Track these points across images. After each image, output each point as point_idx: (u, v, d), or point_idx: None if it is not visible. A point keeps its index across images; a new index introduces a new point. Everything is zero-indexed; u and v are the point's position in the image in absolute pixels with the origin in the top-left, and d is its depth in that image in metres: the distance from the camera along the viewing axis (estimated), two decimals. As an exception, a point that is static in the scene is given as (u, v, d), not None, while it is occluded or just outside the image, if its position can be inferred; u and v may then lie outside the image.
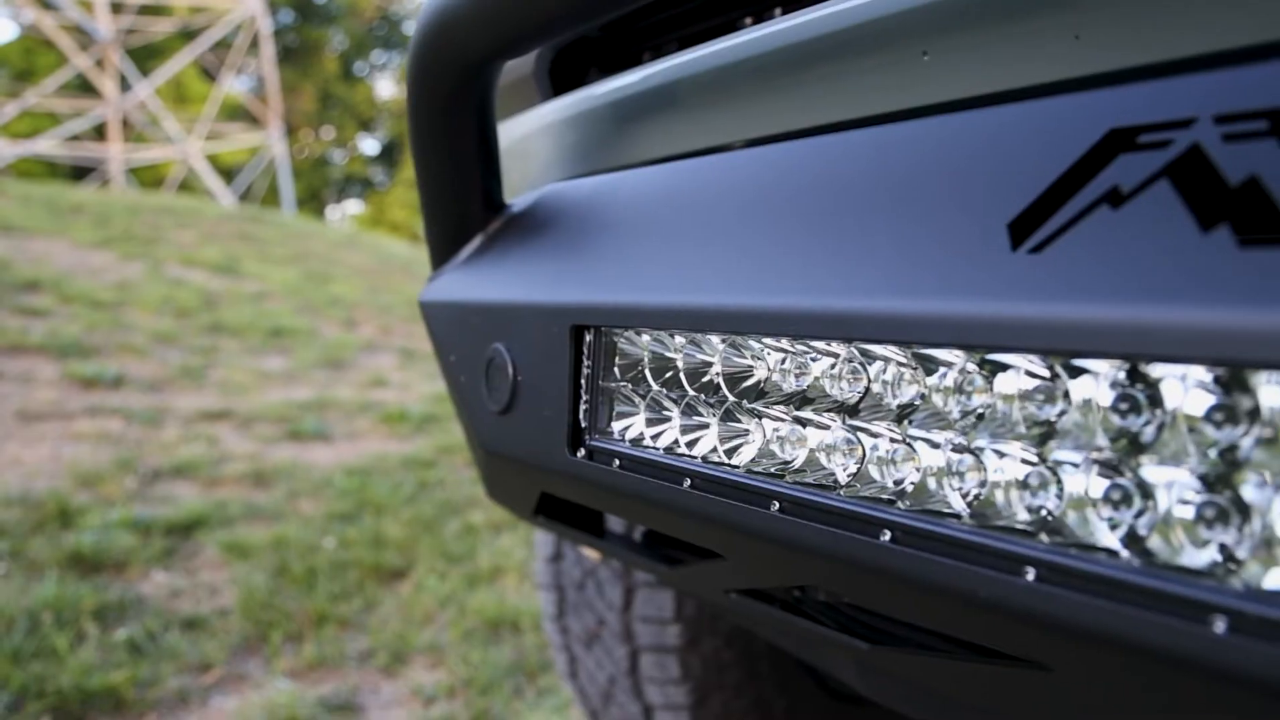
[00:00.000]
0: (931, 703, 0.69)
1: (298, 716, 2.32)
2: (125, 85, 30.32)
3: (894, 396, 0.54)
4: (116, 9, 29.84)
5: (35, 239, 8.85)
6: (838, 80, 0.62)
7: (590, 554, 1.46)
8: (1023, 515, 0.47)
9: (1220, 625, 0.38)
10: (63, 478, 3.75)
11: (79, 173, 30.81)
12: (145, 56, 33.75)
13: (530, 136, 1.02)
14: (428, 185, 0.88)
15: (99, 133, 30.71)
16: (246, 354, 6.74)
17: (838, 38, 0.60)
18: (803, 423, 0.59)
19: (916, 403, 0.53)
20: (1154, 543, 0.42)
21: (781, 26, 0.64)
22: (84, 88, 30.82)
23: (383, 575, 3.26)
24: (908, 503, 0.53)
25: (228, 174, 34.98)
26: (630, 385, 0.71)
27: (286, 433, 4.98)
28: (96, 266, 8.29)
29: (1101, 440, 0.44)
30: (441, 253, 0.92)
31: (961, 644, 0.53)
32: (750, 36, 0.67)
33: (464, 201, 0.87)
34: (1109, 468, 0.44)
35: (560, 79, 0.96)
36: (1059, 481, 0.46)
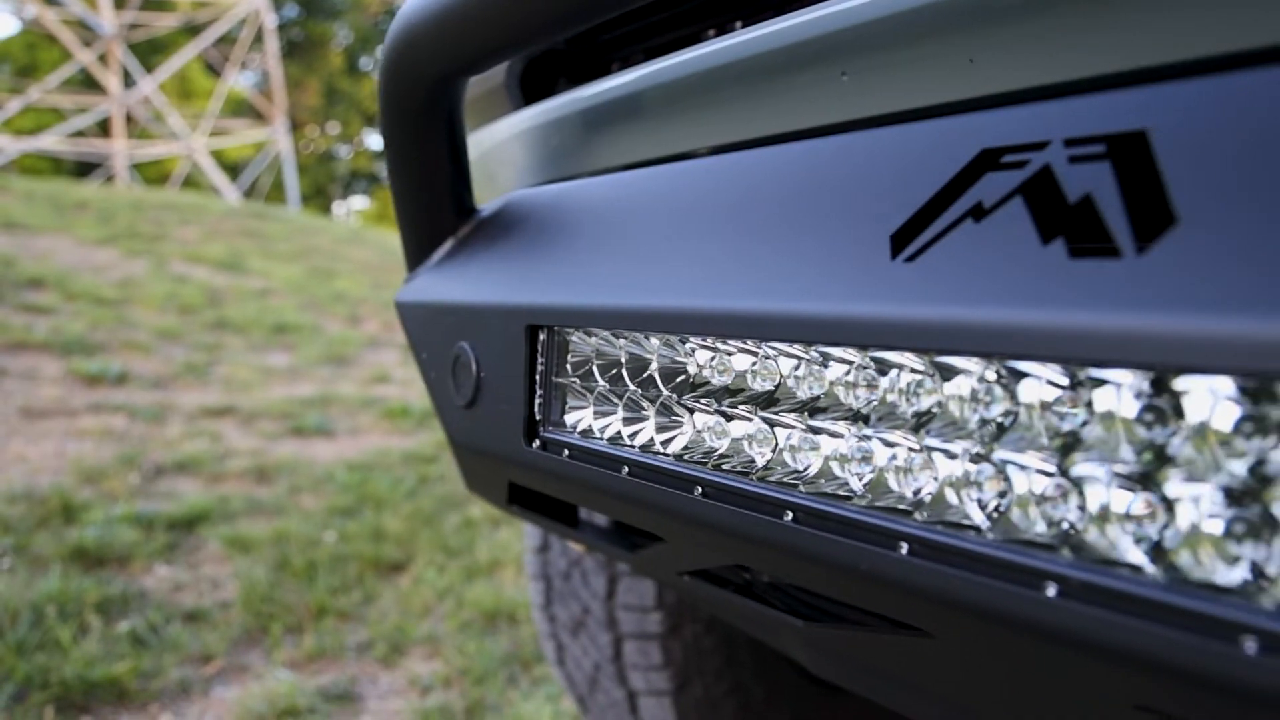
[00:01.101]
0: (871, 680, 0.73)
1: (297, 706, 2.36)
2: (129, 81, 30.38)
3: (804, 391, 0.58)
4: (119, 4, 29.89)
5: (39, 236, 8.91)
6: (772, 96, 0.66)
7: (575, 545, 1.50)
8: (908, 494, 0.51)
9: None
10: (66, 474, 3.81)
11: (83, 169, 30.91)
12: (149, 52, 33.80)
13: (504, 144, 1.06)
14: (401, 192, 0.92)
15: (103, 128, 30.80)
16: (250, 350, 6.80)
17: (771, 57, 0.64)
18: (727, 415, 0.64)
19: (820, 396, 0.57)
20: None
21: (723, 45, 0.68)
22: (87, 83, 30.88)
23: (382, 568, 3.30)
24: (807, 487, 0.57)
25: (233, 170, 35.06)
26: (580, 381, 0.75)
27: (289, 429, 5.03)
28: (100, 263, 8.35)
29: (972, 429, 0.48)
30: (415, 256, 0.97)
31: (879, 617, 0.58)
32: (693, 54, 0.71)
33: (435, 207, 0.91)
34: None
35: (530, 89, 1.00)
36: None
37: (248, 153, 35.78)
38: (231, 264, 9.56)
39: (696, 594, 0.79)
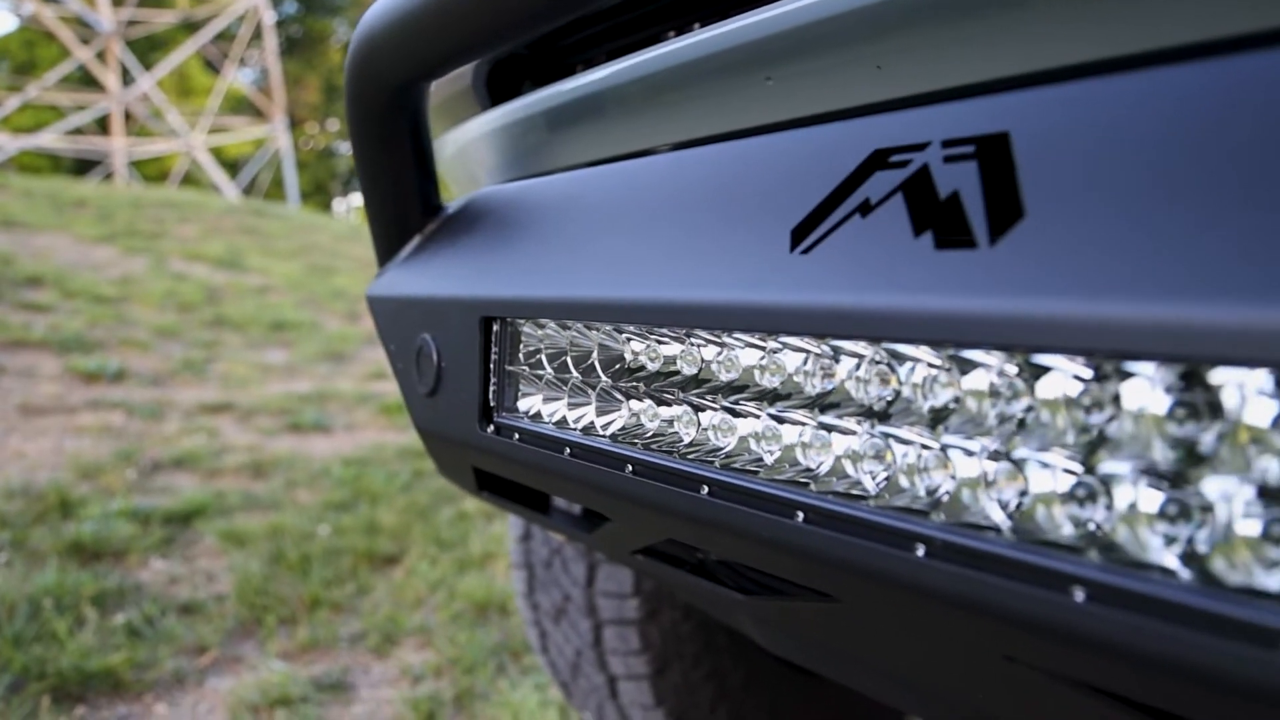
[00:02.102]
0: (811, 651, 0.77)
1: (290, 695, 2.40)
2: (128, 78, 30.39)
3: (726, 373, 0.62)
4: (118, 0, 29.88)
5: (38, 234, 8.95)
6: (705, 100, 0.69)
7: (552, 534, 1.54)
8: (810, 467, 0.55)
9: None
10: (64, 470, 3.85)
11: (82, 166, 30.94)
12: (147, 49, 33.81)
13: (473, 143, 1.10)
14: (370, 191, 0.95)
15: (102, 126, 30.82)
16: (248, 347, 6.84)
17: (703, 63, 0.67)
18: (659, 400, 0.68)
19: (737, 380, 0.62)
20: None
21: (661, 52, 0.72)
22: (86, 81, 30.90)
23: (376, 561, 3.34)
24: (723, 463, 0.62)
25: (232, 167, 35.08)
26: (530, 369, 0.79)
27: (286, 425, 5.07)
28: (99, 261, 8.39)
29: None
30: (384, 252, 1.00)
31: (792, 584, 0.61)
32: (634, 61, 0.75)
33: (403, 206, 0.95)
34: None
35: (496, 91, 1.03)
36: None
37: (247, 150, 35.79)
38: (230, 261, 9.59)
39: (650, 572, 0.83)
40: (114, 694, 2.36)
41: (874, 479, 0.51)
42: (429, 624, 2.87)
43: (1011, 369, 0.44)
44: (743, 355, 0.60)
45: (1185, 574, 0.38)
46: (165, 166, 33.24)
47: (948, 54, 0.51)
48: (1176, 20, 0.41)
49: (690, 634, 1.64)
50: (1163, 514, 0.40)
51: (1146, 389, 0.40)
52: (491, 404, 0.81)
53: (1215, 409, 0.36)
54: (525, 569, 1.78)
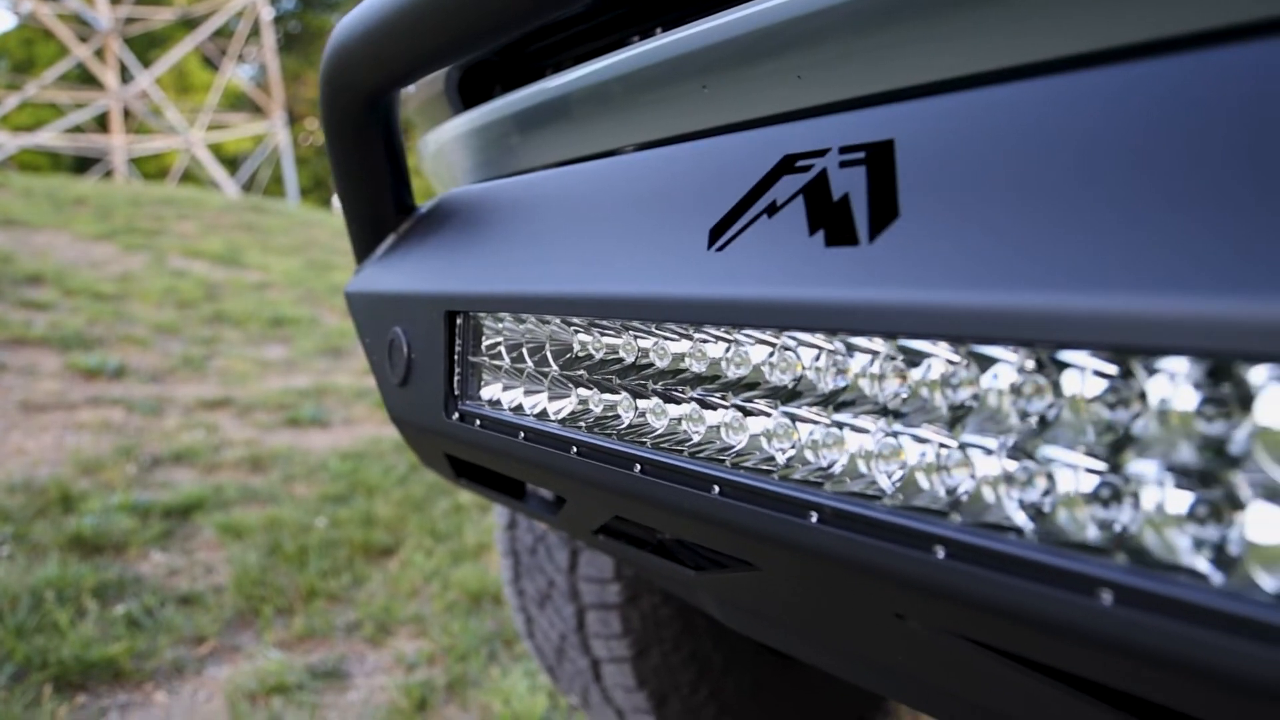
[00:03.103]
0: (755, 623, 0.82)
1: (286, 683, 2.46)
2: (126, 75, 30.39)
3: (662, 363, 0.67)
4: (115, -1, 29.87)
5: (37, 232, 9.00)
6: (649, 106, 0.74)
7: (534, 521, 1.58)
8: (730, 445, 0.60)
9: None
10: (65, 465, 3.90)
11: (82, 164, 30.96)
12: (146, 46, 33.80)
13: (448, 145, 1.15)
14: (346, 193, 1.00)
15: (101, 124, 30.83)
16: (247, 343, 6.89)
17: (646, 72, 0.72)
18: (602, 387, 0.73)
19: (671, 367, 0.66)
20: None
21: (609, 62, 0.76)
22: (85, 78, 30.90)
23: (372, 553, 3.39)
24: (652, 441, 0.66)
25: (232, 163, 35.08)
26: (491, 359, 0.84)
27: (285, 419, 5.12)
28: (99, 259, 8.43)
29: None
30: (362, 250, 1.05)
31: (718, 554, 0.66)
32: (584, 71, 0.80)
33: (377, 206, 1.00)
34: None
35: (468, 95, 1.08)
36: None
37: (246, 146, 35.79)
38: (229, 258, 9.63)
39: (613, 552, 0.88)
40: (114, 682, 2.41)
41: (779, 457, 0.56)
42: (423, 613, 2.92)
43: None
44: (672, 346, 0.65)
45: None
46: (165, 163, 33.26)
47: (857, 65, 0.55)
48: (1033, 39, 0.46)
49: (670, 618, 1.69)
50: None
51: (1010, 373, 0.44)
52: (456, 393, 0.86)
53: (1057, 387, 0.41)
54: (511, 556, 1.83)
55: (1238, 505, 0.35)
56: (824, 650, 0.74)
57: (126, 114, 30.55)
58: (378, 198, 0.99)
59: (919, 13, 0.50)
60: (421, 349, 0.88)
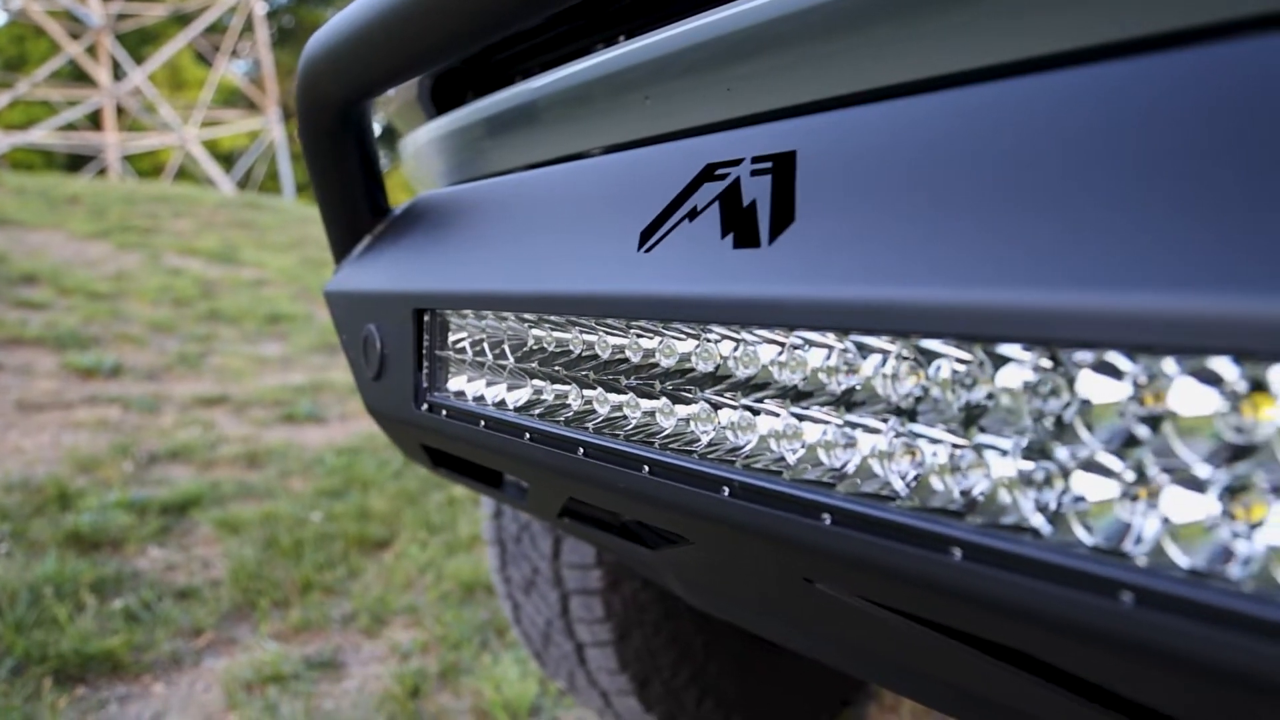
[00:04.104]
0: (705, 598, 0.86)
1: (282, 673, 2.51)
2: (119, 72, 30.31)
3: (605, 354, 0.72)
4: (107, -5, 29.76)
5: (32, 231, 9.02)
6: (597, 116, 0.79)
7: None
8: (662, 429, 0.65)
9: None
10: (62, 464, 3.95)
11: (75, 162, 30.90)
12: (138, 42, 33.69)
13: (423, 148, 1.19)
14: (323, 197, 1.05)
15: (94, 121, 30.77)
16: (243, 340, 6.93)
17: (594, 85, 0.77)
18: (553, 379, 0.78)
19: (608, 358, 0.72)
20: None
21: (560, 75, 0.81)
22: (77, 75, 30.81)
23: (367, 545, 3.45)
24: (594, 425, 0.72)
25: (227, 160, 35.02)
26: (455, 353, 0.89)
27: (281, 416, 5.17)
28: (94, 258, 8.46)
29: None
30: (339, 251, 1.10)
31: (652, 531, 0.71)
32: (536, 83, 0.85)
33: (353, 210, 1.04)
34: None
35: (440, 101, 1.12)
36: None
37: (242, 142, 35.72)
38: (225, 255, 9.66)
39: (578, 534, 0.93)
40: (113, 675, 2.46)
41: (706, 435, 0.62)
42: (417, 604, 2.97)
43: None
44: (611, 340, 0.70)
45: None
46: (159, 161, 33.19)
47: (776, 79, 0.59)
48: (915, 60, 0.51)
49: (650, 602, 1.74)
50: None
51: (890, 361, 0.49)
52: (424, 385, 0.91)
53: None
54: (498, 545, 1.88)
55: (1066, 471, 0.40)
56: (756, 619, 0.79)
57: (120, 111, 30.48)
58: (353, 202, 1.03)
59: (823, 32, 0.54)
60: (393, 344, 0.93)
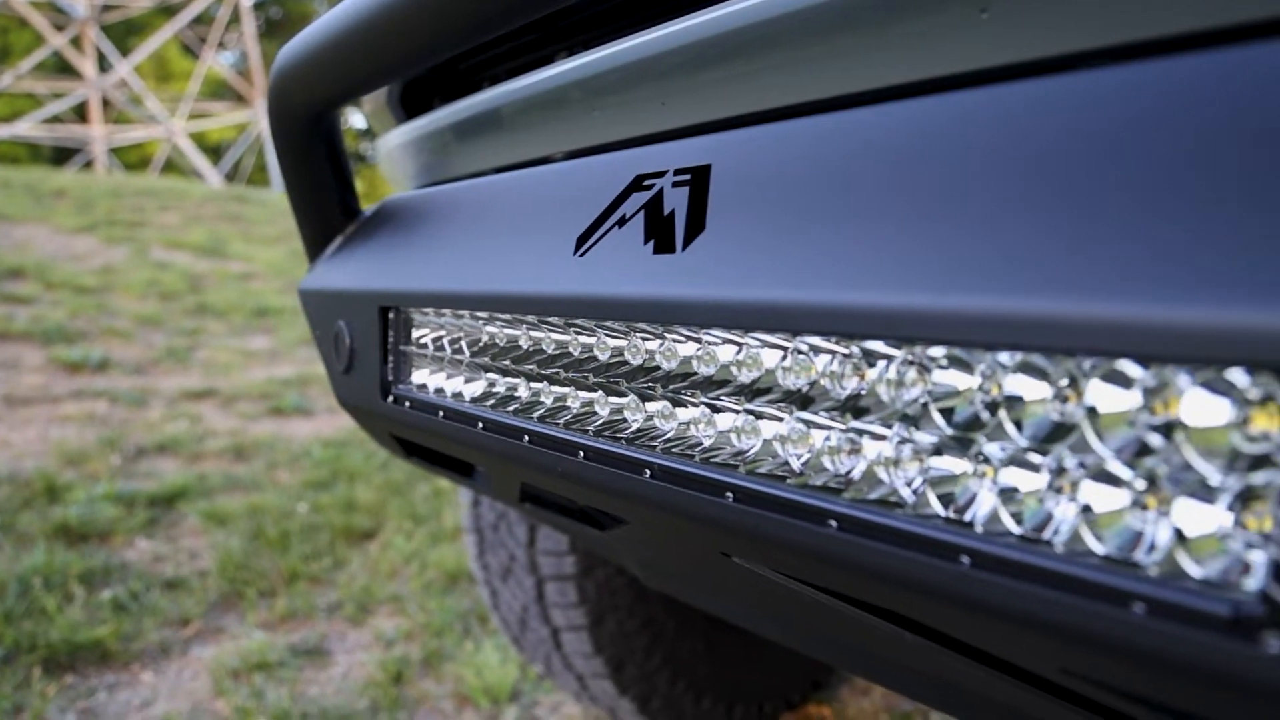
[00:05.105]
0: (653, 575, 0.92)
1: (269, 661, 2.56)
2: (104, 64, 30.09)
3: (549, 348, 0.78)
4: (91, -14, 29.51)
5: (17, 225, 9.00)
6: (549, 125, 0.84)
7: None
8: (600, 416, 0.72)
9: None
10: (50, 457, 3.98)
11: (61, 155, 30.69)
12: (124, 34, 33.43)
13: (394, 151, 1.24)
14: (296, 200, 1.10)
15: (80, 113, 30.55)
16: (231, 334, 6.95)
17: (544, 95, 0.82)
18: (508, 373, 0.83)
19: (553, 352, 0.77)
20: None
21: (513, 86, 0.86)
22: (62, 68, 30.57)
23: (353, 536, 3.49)
24: (539, 415, 0.77)
25: (214, 152, 34.83)
26: (418, 348, 0.95)
27: (268, 409, 5.20)
28: (80, 252, 8.46)
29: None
30: (313, 251, 1.15)
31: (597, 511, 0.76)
32: (491, 93, 0.90)
33: (325, 211, 1.09)
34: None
35: (410, 106, 1.17)
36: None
37: (229, 135, 35.53)
38: (212, 249, 9.66)
39: (541, 519, 0.98)
40: (102, 663, 2.51)
41: (635, 423, 0.68)
42: (402, 593, 3.02)
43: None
44: (554, 336, 0.75)
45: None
46: (146, 153, 32.99)
47: (702, 95, 0.65)
48: (826, 80, 0.56)
49: (623, 587, 1.79)
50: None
51: (774, 356, 0.55)
52: (390, 378, 0.97)
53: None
54: (476, 533, 1.94)
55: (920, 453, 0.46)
56: (698, 595, 0.84)
57: (106, 103, 30.28)
58: (325, 205, 1.08)
59: (738, 54, 0.59)
60: (361, 340, 0.98)
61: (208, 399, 5.25)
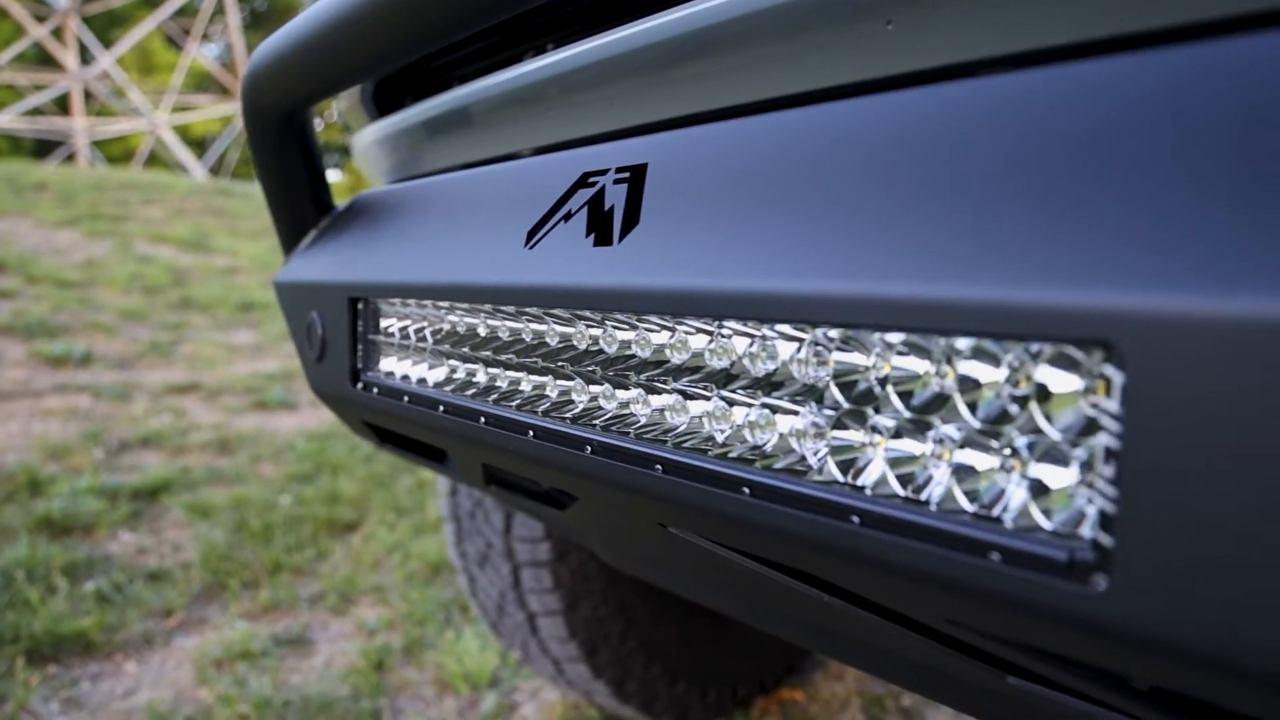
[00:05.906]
0: (618, 555, 0.96)
1: (251, 650, 2.59)
2: (87, 56, 29.83)
3: (505, 336, 0.82)
4: (73, -23, 29.24)
5: None
6: (507, 124, 0.88)
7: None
8: (581, 405, 0.76)
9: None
10: (32, 452, 3.99)
11: (43, 147, 30.42)
12: (106, 25, 33.12)
13: (368, 148, 1.28)
14: (270, 195, 1.13)
15: (62, 105, 30.28)
16: (215, 329, 6.94)
17: (505, 95, 0.86)
18: (464, 359, 0.88)
19: (507, 340, 0.82)
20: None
21: (474, 87, 0.90)
22: (43, 59, 30.28)
23: (336, 528, 3.52)
24: (494, 398, 0.82)
25: (199, 145, 34.60)
26: (385, 337, 0.99)
27: (252, 403, 5.21)
28: (62, 246, 8.42)
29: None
30: (287, 245, 1.18)
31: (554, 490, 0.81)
32: (456, 93, 0.94)
33: (299, 206, 1.13)
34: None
35: (383, 104, 1.21)
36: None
37: (214, 128, 35.29)
38: (197, 243, 9.63)
39: (507, 502, 1.02)
40: (85, 654, 2.53)
41: (580, 403, 0.72)
42: (384, 584, 3.06)
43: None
44: (508, 324, 0.79)
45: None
46: (129, 146, 32.73)
47: (643, 96, 0.69)
48: (761, 83, 0.60)
49: (596, 572, 1.84)
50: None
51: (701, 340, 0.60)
52: (359, 366, 1.01)
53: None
54: (454, 521, 1.98)
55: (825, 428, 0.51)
56: (647, 568, 0.89)
57: (88, 95, 30.02)
58: (299, 200, 1.12)
59: (675, 57, 0.64)
60: (332, 330, 1.02)
61: (191, 393, 5.26)
